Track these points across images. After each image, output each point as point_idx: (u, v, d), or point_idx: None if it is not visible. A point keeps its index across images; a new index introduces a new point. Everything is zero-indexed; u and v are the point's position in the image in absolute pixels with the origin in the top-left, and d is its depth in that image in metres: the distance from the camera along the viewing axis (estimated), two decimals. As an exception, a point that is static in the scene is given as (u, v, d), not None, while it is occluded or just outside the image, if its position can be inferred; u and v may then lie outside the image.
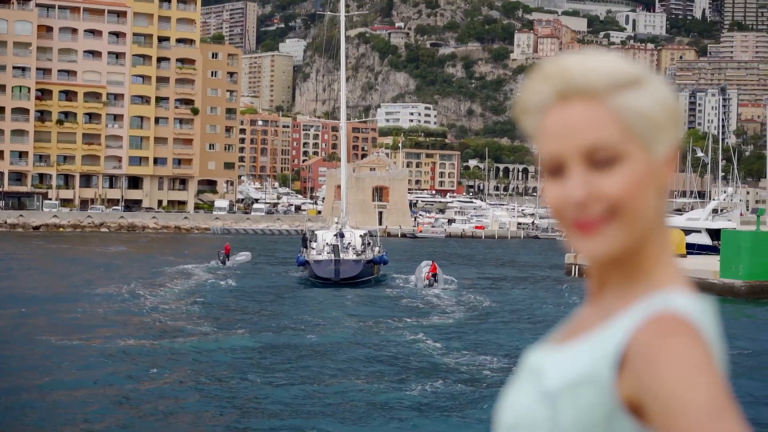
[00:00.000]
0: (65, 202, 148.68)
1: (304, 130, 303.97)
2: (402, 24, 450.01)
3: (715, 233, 69.89)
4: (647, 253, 1.77)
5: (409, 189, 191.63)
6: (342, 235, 61.96)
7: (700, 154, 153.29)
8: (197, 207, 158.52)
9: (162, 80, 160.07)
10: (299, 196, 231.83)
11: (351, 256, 59.70)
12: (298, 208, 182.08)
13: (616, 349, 1.67)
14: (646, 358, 1.62)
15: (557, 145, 1.73)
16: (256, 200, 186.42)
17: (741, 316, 42.67)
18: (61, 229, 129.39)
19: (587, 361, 1.70)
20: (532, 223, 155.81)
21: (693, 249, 69.04)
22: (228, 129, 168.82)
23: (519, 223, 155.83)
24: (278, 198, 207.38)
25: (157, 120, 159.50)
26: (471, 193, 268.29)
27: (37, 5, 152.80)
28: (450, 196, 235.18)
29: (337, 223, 64.84)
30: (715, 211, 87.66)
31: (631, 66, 1.76)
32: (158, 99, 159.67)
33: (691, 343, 1.61)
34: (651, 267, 1.77)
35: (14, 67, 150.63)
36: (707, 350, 1.62)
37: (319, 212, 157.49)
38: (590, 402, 1.67)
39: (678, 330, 1.63)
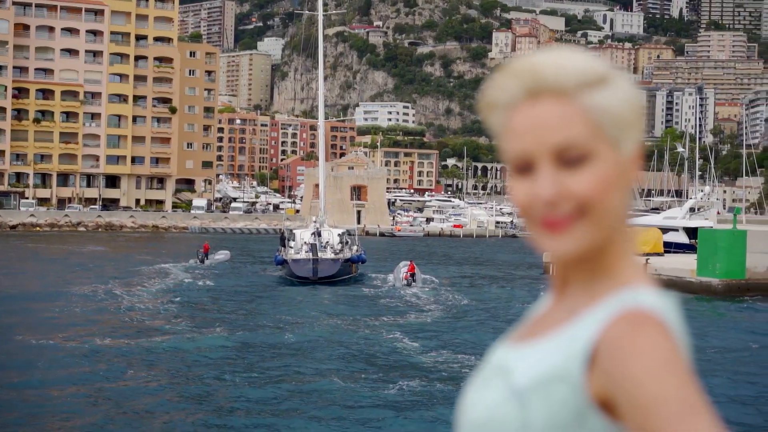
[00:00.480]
0: (42, 201, 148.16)
1: (282, 128, 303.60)
2: (380, 23, 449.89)
3: (692, 232, 70.23)
4: (612, 252, 1.77)
5: (388, 188, 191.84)
6: (320, 234, 61.96)
7: (680, 149, 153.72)
8: (175, 206, 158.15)
9: (139, 79, 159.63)
10: (277, 195, 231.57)
11: (329, 255, 59.72)
12: (276, 207, 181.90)
13: (586, 346, 1.67)
14: (616, 355, 1.62)
15: (526, 143, 1.72)
16: (234, 199, 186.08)
17: (717, 314, 42.88)
18: (38, 229, 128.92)
19: (557, 358, 1.70)
20: (511, 222, 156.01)
21: (670, 247, 69.33)
22: (206, 128, 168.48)
23: (497, 222, 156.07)
24: (256, 197, 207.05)
25: (134, 119, 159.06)
26: (449, 192, 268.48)
27: (14, 3, 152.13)
28: (428, 195, 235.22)
29: (315, 222, 64.82)
30: (692, 209, 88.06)
31: (599, 64, 1.75)
32: (136, 98, 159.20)
33: (661, 339, 1.62)
34: (615, 265, 1.77)
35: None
36: (676, 346, 1.63)
37: (298, 211, 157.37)
38: (561, 399, 1.67)
39: (647, 326, 1.64)
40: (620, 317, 1.67)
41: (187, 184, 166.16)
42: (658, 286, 1.68)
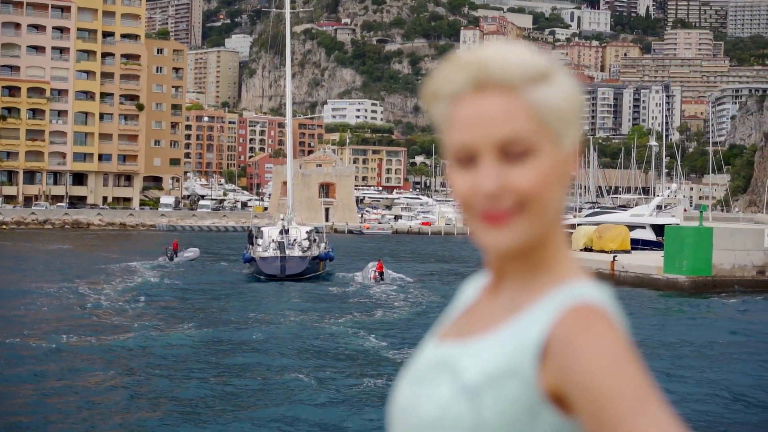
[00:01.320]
0: (8, 199, 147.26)
1: (250, 126, 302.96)
2: (348, 20, 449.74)
3: (659, 229, 70.54)
4: (548, 246, 1.79)
5: (356, 185, 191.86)
6: (287, 232, 61.95)
7: (652, 143, 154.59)
8: (143, 204, 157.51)
9: (106, 76, 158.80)
10: (245, 192, 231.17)
11: (296, 252, 59.73)
12: (244, 205, 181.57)
13: (537, 341, 1.68)
14: (569, 350, 1.64)
15: (470, 136, 1.71)
16: (202, 197, 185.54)
17: (682, 310, 43.15)
18: (4, 227, 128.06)
19: (508, 353, 1.70)
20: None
21: (637, 245, 69.81)
22: (173, 125, 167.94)
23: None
24: (224, 195, 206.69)
25: (101, 116, 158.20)
26: (417, 190, 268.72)
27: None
28: (396, 193, 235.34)
29: (282, 219, 64.76)
30: (659, 207, 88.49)
31: (543, 59, 1.76)
32: (103, 95, 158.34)
33: (610, 333, 1.65)
34: (552, 259, 1.79)
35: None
36: (624, 339, 1.65)
37: (266, 209, 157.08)
38: (514, 395, 1.67)
39: (596, 321, 1.66)
40: (569, 312, 1.69)
41: (155, 181, 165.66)
42: (595, 279, 1.68)
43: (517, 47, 1.76)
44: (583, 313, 1.68)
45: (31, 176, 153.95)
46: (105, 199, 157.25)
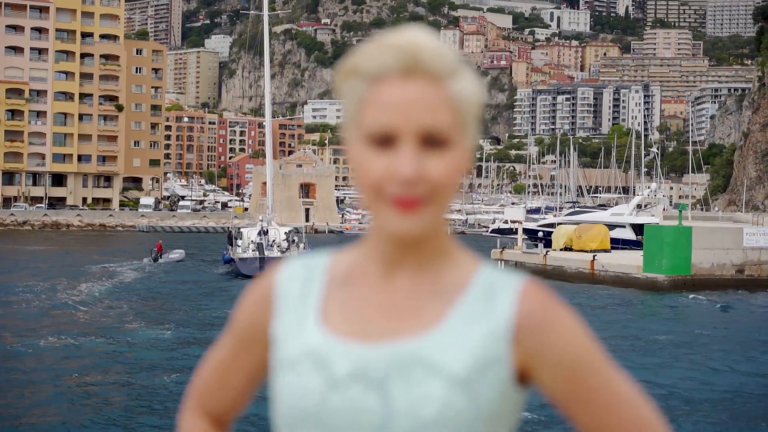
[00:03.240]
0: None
1: (230, 126, 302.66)
2: (328, 20, 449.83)
3: (638, 228, 70.61)
4: (443, 232, 1.82)
5: (337, 185, 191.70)
6: (266, 233, 62.03)
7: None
8: (122, 204, 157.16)
9: (86, 77, 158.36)
10: (226, 193, 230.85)
11: (275, 253, 59.77)
12: (224, 206, 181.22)
13: (507, 325, 1.75)
14: (543, 328, 1.74)
15: (393, 119, 1.71)
16: (182, 197, 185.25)
17: (661, 308, 43.38)
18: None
19: (485, 341, 1.74)
20: (465, 221, 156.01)
21: (617, 244, 69.84)
22: (153, 126, 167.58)
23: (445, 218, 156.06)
24: (204, 195, 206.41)
25: (81, 117, 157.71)
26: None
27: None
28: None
29: (262, 220, 64.80)
30: (639, 206, 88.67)
31: (456, 52, 1.78)
32: (82, 95, 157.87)
33: (566, 308, 1.78)
34: (448, 245, 1.84)
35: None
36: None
37: (246, 209, 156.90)
38: (499, 380, 1.74)
39: (552, 299, 1.77)
40: (527, 292, 1.77)
41: (135, 182, 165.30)
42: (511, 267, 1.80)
43: (435, 37, 1.76)
44: (539, 293, 1.78)
45: (9, 177, 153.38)
46: (84, 200, 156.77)
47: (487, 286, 1.80)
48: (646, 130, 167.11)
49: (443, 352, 1.74)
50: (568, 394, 1.78)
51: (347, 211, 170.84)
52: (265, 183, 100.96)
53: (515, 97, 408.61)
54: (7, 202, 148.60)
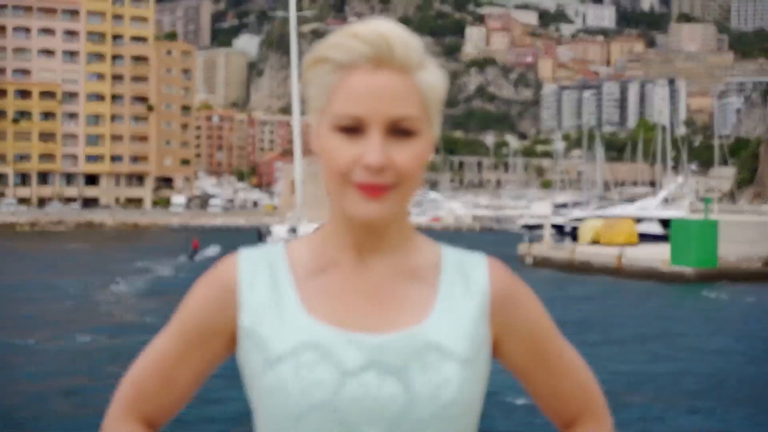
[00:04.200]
0: (22, 201, 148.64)
1: (259, 125, 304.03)
2: (355, 19, 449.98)
3: (665, 222, 70.96)
4: (405, 218, 1.89)
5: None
6: (295, 230, 62.50)
7: (661, 136, 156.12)
8: (154, 203, 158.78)
9: (117, 78, 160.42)
10: (256, 191, 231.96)
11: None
12: (255, 204, 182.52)
13: (486, 299, 1.86)
14: (516, 300, 1.89)
15: (363, 108, 1.74)
16: (213, 196, 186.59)
17: (689, 301, 43.91)
18: (19, 228, 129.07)
19: (473, 319, 1.84)
20: (495, 217, 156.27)
21: (644, 238, 69.89)
22: (184, 125, 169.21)
23: (474, 216, 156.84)
24: (235, 193, 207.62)
25: (112, 117, 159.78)
26: (427, 186, 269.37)
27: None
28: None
29: (291, 218, 65.33)
30: (665, 200, 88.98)
31: (421, 44, 1.81)
32: (113, 97, 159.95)
33: (522, 281, 1.93)
34: (409, 229, 1.91)
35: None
36: None
37: (276, 207, 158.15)
38: (487, 354, 1.87)
39: (511, 273, 1.91)
40: (494, 269, 1.90)
41: (166, 181, 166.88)
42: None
43: (403, 28, 1.80)
44: (502, 269, 1.91)
45: (44, 178, 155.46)
46: (117, 199, 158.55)
47: (457, 264, 1.89)
48: (672, 124, 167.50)
49: (447, 335, 1.80)
50: (529, 362, 1.92)
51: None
52: (294, 181, 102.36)
53: (541, 93, 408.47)
54: (42, 202, 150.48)
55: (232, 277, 1.90)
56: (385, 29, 1.78)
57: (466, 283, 1.86)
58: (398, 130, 1.76)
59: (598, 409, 2.01)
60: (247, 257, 1.92)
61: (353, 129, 1.75)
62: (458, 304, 1.84)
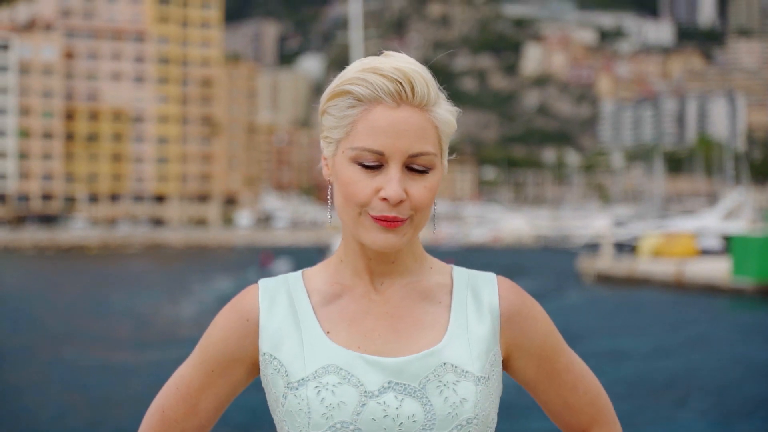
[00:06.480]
0: (92, 221, 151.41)
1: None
2: (417, 36, 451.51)
3: (725, 236, 71.24)
4: (416, 241, 1.95)
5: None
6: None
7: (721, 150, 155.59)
8: (221, 222, 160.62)
9: (184, 100, 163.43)
10: (319, 208, 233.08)
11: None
12: (317, 222, 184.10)
13: (495, 318, 1.93)
14: (526, 315, 1.95)
15: (384, 144, 1.79)
16: (278, 214, 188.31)
17: (748, 314, 44.22)
18: (89, 248, 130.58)
19: (486, 338, 1.91)
20: (552, 235, 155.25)
21: (703, 252, 69.62)
22: (249, 145, 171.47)
23: (535, 233, 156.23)
24: (300, 211, 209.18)
25: (180, 138, 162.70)
26: (487, 201, 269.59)
27: (62, 31, 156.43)
28: (467, 206, 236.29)
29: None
30: (725, 214, 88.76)
31: (436, 81, 1.90)
32: (181, 118, 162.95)
33: (529, 296, 2.01)
34: (420, 250, 1.98)
35: (40, 92, 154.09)
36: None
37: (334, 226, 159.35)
38: (499, 370, 1.95)
39: (520, 289, 1.98)
40: (503, 285, 1.97)
41: (232, 200, 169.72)
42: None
43: (420, 66, 1.88)
44: (511, 285, 1.97)
45: (113, 198, 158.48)
46: (184, 218, 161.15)
47: (468, 284, 1.95)
48: (732, 139, 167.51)
49: (462, 355, 1.86)
50: (539, 377, 1.97)
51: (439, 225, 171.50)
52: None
53: (600, 110, 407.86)
54: (112, 222, 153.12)
55: (253, 307, 1.93)
56: (405, 66, 1.81)
57: (478, 302, 1.89)
58: (416, 165, 1.81)
59: (609, 420, 2.04)
60: (265, 286, 1.96)
61: (375, 162, 1.80)
62: (471, 323, 1.87)
